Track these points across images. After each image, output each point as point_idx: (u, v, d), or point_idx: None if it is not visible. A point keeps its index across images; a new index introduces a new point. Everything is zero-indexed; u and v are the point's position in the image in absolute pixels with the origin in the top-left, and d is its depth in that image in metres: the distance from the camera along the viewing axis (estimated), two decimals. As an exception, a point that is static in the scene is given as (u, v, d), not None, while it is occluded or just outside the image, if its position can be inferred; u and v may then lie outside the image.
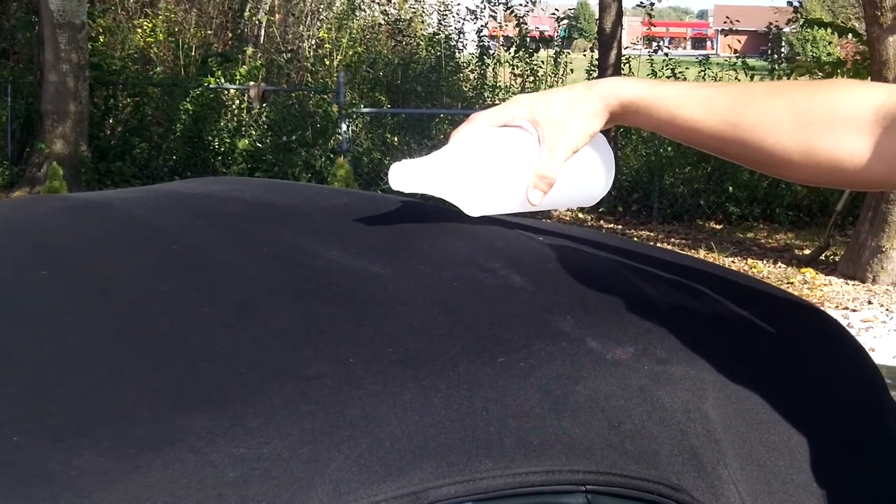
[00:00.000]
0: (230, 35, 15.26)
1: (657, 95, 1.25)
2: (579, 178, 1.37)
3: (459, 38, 14.74)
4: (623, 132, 11.83)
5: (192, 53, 13.95)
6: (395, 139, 12.56)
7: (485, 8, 15.04)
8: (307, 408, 0.94)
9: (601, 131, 1.33)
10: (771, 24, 14.85)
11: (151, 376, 0.98)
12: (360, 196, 1.68)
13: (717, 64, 13.76)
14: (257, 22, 15.07)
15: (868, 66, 9.11)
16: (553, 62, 14.14)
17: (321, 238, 1.33)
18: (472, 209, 1.32)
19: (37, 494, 0.81)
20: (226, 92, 12.65)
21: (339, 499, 0.88)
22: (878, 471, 1.30)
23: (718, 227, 11.30)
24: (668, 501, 1.07)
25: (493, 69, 14.28)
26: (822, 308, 1.46)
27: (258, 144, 12.27)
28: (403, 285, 1.19)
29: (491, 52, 14.63)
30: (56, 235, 1.36)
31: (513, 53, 14.04)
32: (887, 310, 7.92)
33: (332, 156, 11.77)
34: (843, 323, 7.47)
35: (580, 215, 11.49)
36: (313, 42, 14.87)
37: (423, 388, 1.00)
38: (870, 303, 8.12)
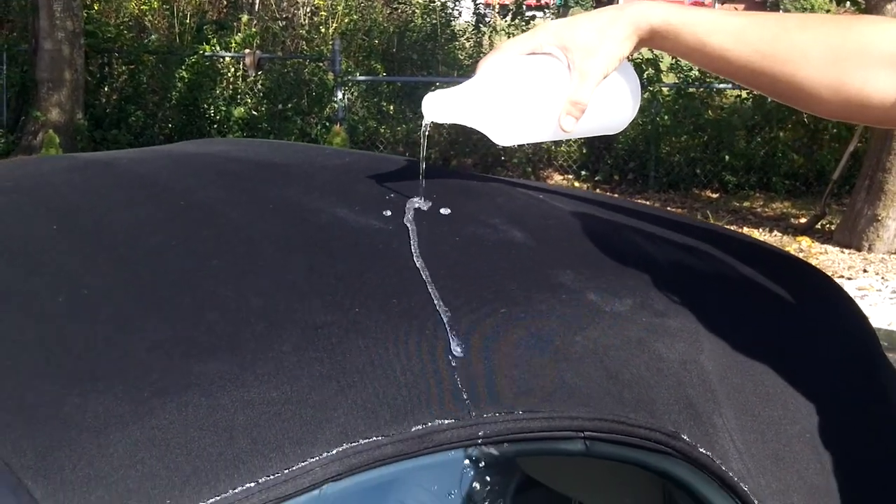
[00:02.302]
0: (225, 2, 15.18)
1: (687, 22, 1.24)
2: (608, 104, 1.36)
3: (455, 5, 14.69)
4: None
5: (187, 21, 13.89)
6: (391, 107, 12.55)
7: (481, -25, 15.01)
8: (315, 355, 0.97)
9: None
10: (768, -8, 14.80)
11: (163, 325, 1.01)
12: (361, 156, 1.70)
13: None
14: (252, -11, 15.00)
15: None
16: (549, 30, 14.08)
17: (324, 195, 1.35)
18: (503, 138, 1.31)
19: (54, 435, 0.84)
20: (221, 60, 12.62)
21: (347, 441, 0.91)
22: (869, 422, 1.33)
23: (715, 195, 11.32)
24: (664, 448, 1.10)
25: (489, 37, 14.23)
26: (824, 272, 1.49)
27: (254, 112, 12.25)
28: (406, 241, 1.22)
29: (487, 19, 14.58)
30: (65, 192, 1.38)
31: (509, 21, 13.99)
32: (883, 278, 7.95)
33: (327, 124, 11.76)
34: (838, 291, 7.48)
35: (576, 184, 11.50)
36: (308, 9, 14.78)
37: (427, 338, 1.03)
38: (865, 271, 8.15)
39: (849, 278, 7.91)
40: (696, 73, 11.89)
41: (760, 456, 1.18)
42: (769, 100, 11.59)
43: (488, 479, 1.07)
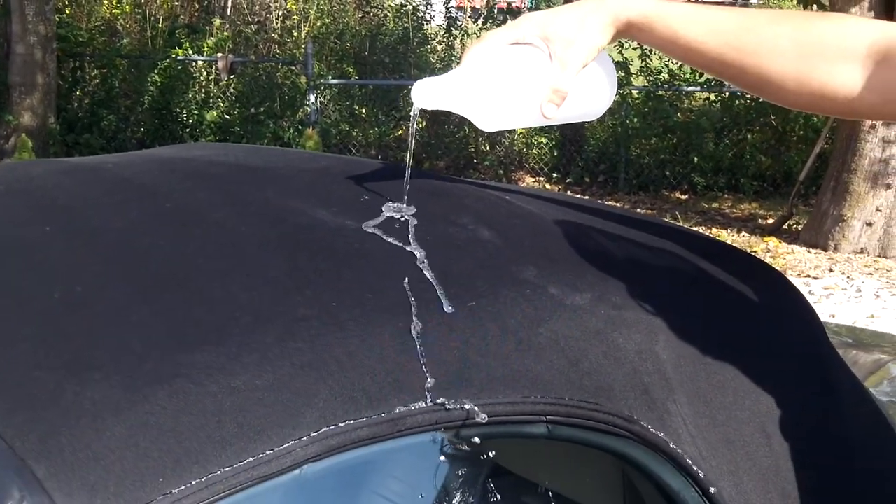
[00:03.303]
0: (197, 6, 15.19)
1: (662, 14, 1.30)
2: (587, 92, 1.41)
3: (427, 9, 14.74)
4: (589, 103, 11.95)
5: (159, 25, 13.90)
6: (364, 111, 12.60)
7: (453, -21, 15.05)
8: (296, 345, 1.04)
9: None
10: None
11: (154, 318, 1.07)
12: (338, 159, 1.78)
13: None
14: (224, -7, 15.03)
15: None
16: (520, 33, 14.13)
17: (303, 197, 1.42)
18: (487, 124, 1.36)
19: (55, 421, 0.91)
20: (194, 63, 12.64)
21: (325, 424, 0.99)
22: (815, 408, 1.41)
23: (684, 197, 11.44)
24: (621, 431, 1.18)
25: (460, 40, 14.29)
26: (766, 261, 1.57)
27: (226, 116, 12.28)
28: (380, 240, 1.29)
29: (458, 23, 14.62)
30: (56, 195, 1.45)
31: (480, 25, 14.04)
32: (848, 277, 8.07)
33: (300, 127, 11.81)
34: (805, 291, 7.65)
35: (547, 186, 11.60)
36: (280, 13, 14.82)
37: (400, 330, 1.10)
38: (831, 270, 8.27)
39: (815, 278, 8.03)
40: (666, 76, 12.02)
41: (712, 439, 1.26)
42: (737, 102, 11.76)
43: (458, 460, 1.15)
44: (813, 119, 11.47)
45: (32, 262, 1.22)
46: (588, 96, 1.43)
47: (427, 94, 1.33)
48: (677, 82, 11.98)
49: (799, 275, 8.07)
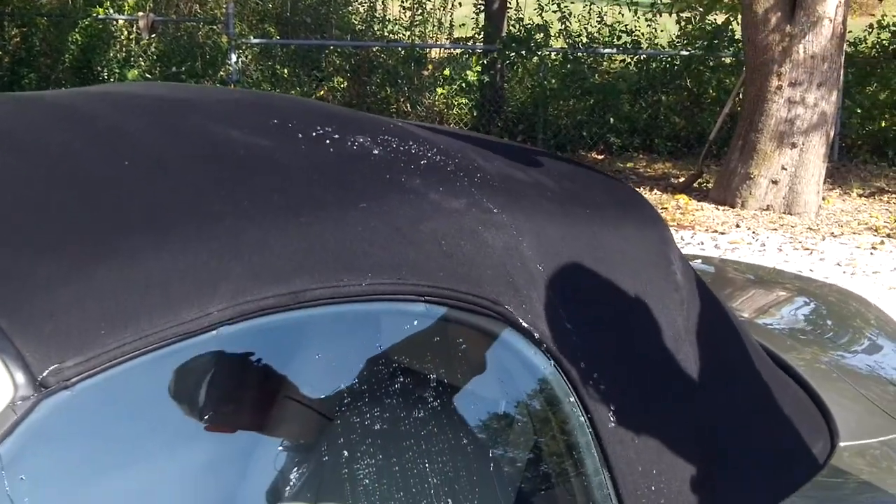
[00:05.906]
0: (118, -35, 15.15)
1: None
2: None
3: (349, -30, 14.85)
4: (508, 64, 12.15)
5: (80, -17, 13.86)
6: (285, 71, 12.70)
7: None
8: (213, 234, 1.25)
9: None
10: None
11: (91, 213, 1.27)
12: (250, 93, 1.98)
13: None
14: (146, -48, 14.96)
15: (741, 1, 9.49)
16: (442, -4, 14.35)
17: (219, 122, 1.62)
18: None
19: (14, 288, 1.11)
20: (114, 22, 12.65)
21: (239, 295, 1.20)
22: (663, 296, 1.65)
23: (600, 157, 11.72)
24: (488, 312, 1.41)
25: (382, 2, 14.42)
26: (628, 184, 1.80)
27: (147, 76, 12.31)
28: (286, 154, 1.50)
29: (380, -16, 14.75)
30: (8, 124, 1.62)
31: (401, -15, 14.19)
32: (753, 232, 8.39)
33: (222, 87, 11.90)
34: (712, 244, 7.97)
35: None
36: (202, -27, 14.84)
37: (302, 224, 1.32)
38: (738, 226, 8.58)
39: (722, 233, 8.33)
40: (584, 38, 12.26)
41: (573, 323, 1.49)
42: (653, 65, 12.03)
43: (350, 331, 1.37)
44: (726, 81, 11.80)
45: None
46: None
47: None
48: (595, 45, 12.24)
49: (707, 230, 8.37)
